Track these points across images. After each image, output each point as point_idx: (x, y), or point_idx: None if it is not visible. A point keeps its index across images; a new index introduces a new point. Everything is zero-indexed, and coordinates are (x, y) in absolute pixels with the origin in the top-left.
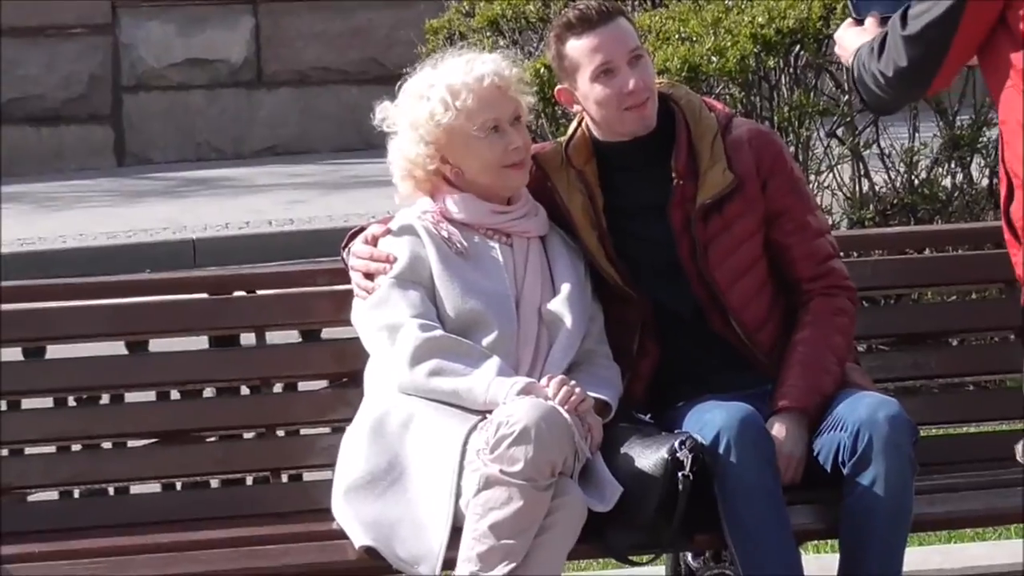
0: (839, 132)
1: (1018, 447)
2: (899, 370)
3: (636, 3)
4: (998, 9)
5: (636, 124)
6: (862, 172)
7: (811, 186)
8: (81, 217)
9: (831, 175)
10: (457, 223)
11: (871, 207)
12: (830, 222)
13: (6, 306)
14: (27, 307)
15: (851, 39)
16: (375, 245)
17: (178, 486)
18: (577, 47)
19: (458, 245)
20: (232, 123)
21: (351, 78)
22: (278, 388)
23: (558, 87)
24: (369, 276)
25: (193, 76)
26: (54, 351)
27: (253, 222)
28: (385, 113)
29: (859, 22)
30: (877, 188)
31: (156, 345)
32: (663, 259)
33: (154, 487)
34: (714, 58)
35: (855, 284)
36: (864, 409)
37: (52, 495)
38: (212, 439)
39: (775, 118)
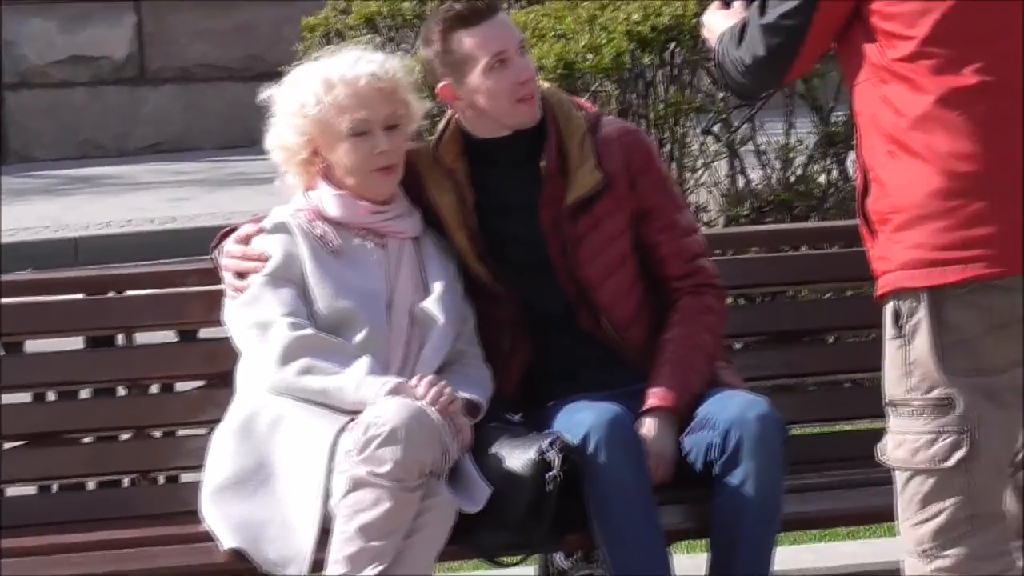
0: (715, 129)
1: (878, 447)
2: (773, 368)
3: (512, 0)
4: (852, 1)
5: (527, 115)
6: (738, 169)
7: (687, 183)
8: None
9: (707, 172)
10: (331, 221)
11: (747, 204)
12: (706, 219)
13: None
14: None
15: (717, 22)
16: (247, 244)
17: (53, 488)
18: (469, 39)
19: (331, 244)
20: (116, 120)
21: (235, 75)
22: (154, 389)
23: (441, 84)
24: (241, 275)
25: (76, 73)
26: None
27: (136, 220)
28: (269, 96)
29: (727, 4)
30: (753, 185)
31: (30, 346)
32: (533, 258)
33: (28, 489)
34: (589, 55)
35: (731, 282)
36: (734, 408)
37: None
38: (86, 440)
39: (651, 115)
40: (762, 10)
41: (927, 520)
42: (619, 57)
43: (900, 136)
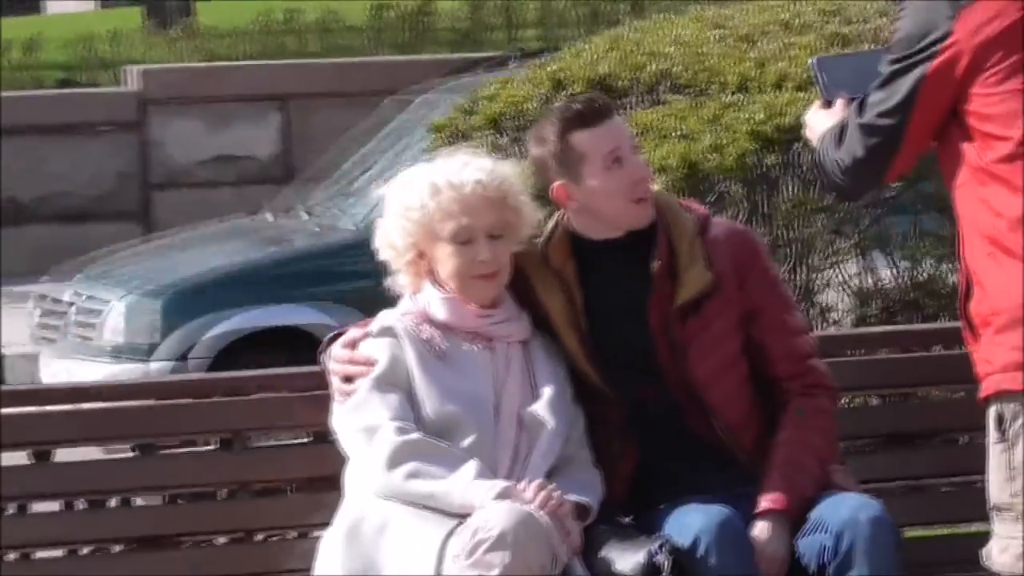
0: (843, 228)
1: (983, 552)
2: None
3: (635, 101)
4: (950, 101)
5: (642, 216)
6: (867, 268)
7: (815, 284)
8: None
9: (834, 272)
10: (438, 325)
11: (875, 303)
12: (834, 319)
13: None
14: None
15: (819, 122)
16: (354, 348)
17: None
18: (585, 138)
19: (438, 348)
20: None
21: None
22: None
23: (555, 184)
24: (348, 379)
25: (222, 173)
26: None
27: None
28: (380, 192)
29: (828, 104)
30: (882, 284)
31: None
32: (642, 359)
33: None
34: (713, 155)
35: (859, 383)
36: (846, 510)
37: None
38: (188, 544)
39: (776, 215)
40: (860, 110)
41: None
42: (742, 157)
43: (999, 237)
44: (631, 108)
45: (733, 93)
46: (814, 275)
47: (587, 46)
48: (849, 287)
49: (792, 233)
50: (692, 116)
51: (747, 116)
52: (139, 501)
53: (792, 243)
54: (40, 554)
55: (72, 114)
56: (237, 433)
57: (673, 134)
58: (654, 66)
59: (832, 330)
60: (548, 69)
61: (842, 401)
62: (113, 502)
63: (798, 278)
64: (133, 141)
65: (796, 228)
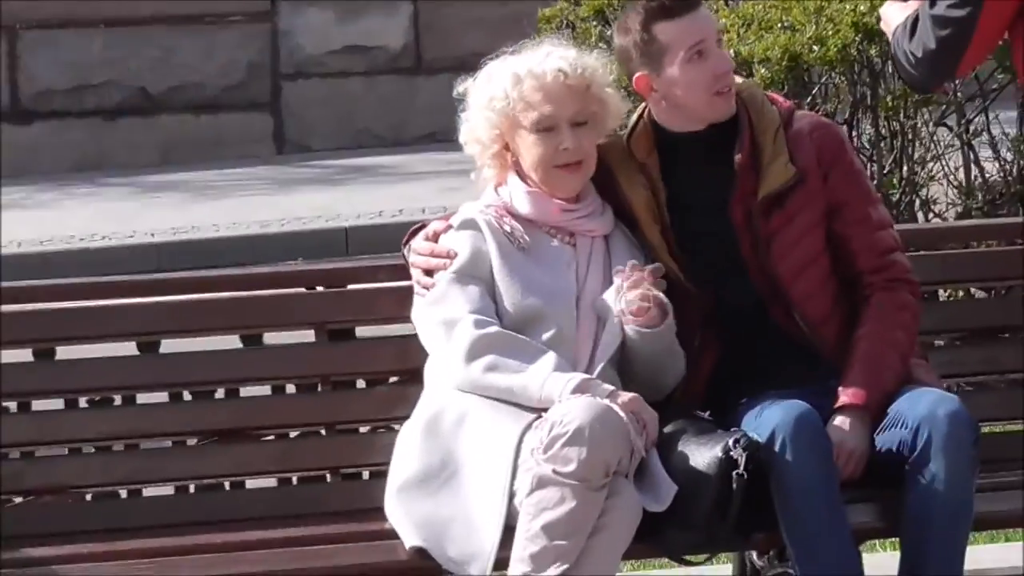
0: (948, 120)
1: None
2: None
3: None
4: None
5: (724, 108)
6: (972, 161)
7: (918, 176)
8: (237, 205)
9: (938, 165)
10: (521, 218)
11: (980, 197)
12: (938, 212)
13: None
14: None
15: (893, 15)
16: (436, 241)
17: (234, 484)
18: (669, 29)
19: (520, 240)
20: (391, 110)
21: None
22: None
23: (637, 75)
24: (429, 273)
25: (352, 63)
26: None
27: (407, 209)
28: (464, 88)
29: None
30: (987, 177)
31: (207, 343)
32: (725, 254)
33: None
34: (816, 47)
35: (957, 276)
36: (924, 405)
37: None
38: (270, 437)
39: (879, 107)
40: (932, 1)
41: None
42: (845, 49)
43: None
44: (736, 0)
45: None
46: (917, 168)
47: None
48: (953, 180)
49: (895, 126)
50: (796, 7)
51: (851, 7)
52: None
53: (895, 136)
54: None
55: (203, 5)
56: (319, 325)
57: (777, 26)
58: None
59: (936, 222)
60: None
61: (943, 294)
62: (187, 395)
63: (901, 171)
64: (264, 31)
65: (899, 120)
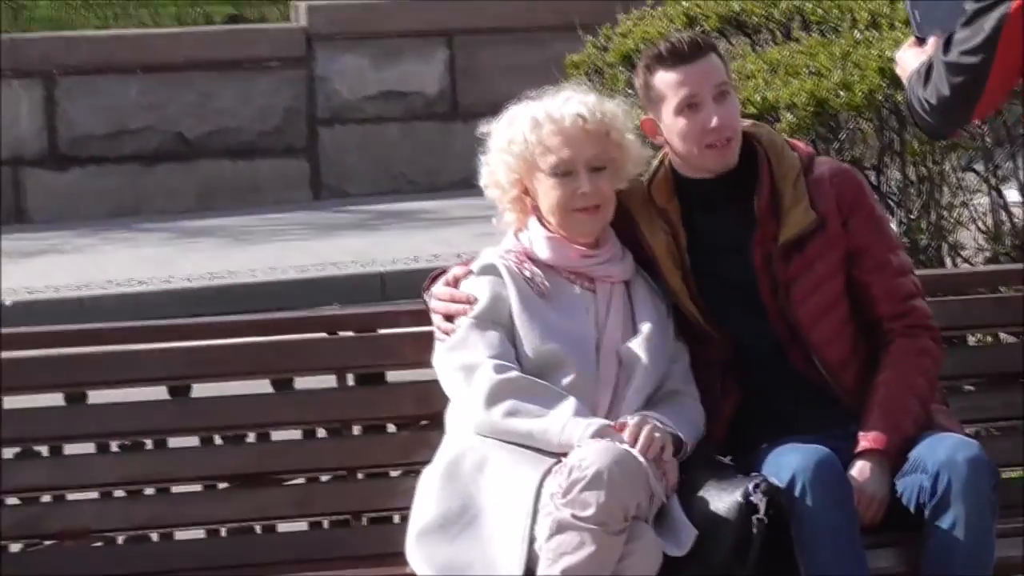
0: (975, 166)
1: None
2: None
3: (768, 37)
4: None
5: (717, 162)
6: (1000, 205)
7: (946, 221)
8: (274, 251)
9: (966, 210)
10: (541, 264)
11: (1008, 241)
12: (966, 257)
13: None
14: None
15: (910, 60)
16: (456, 287)
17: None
18: (664, 79)
19: (540, 286)
20: (427, 155)
21: None
22: (358, 430)
23: (643, 117)
24: (449, 318)
25: (388, 108)
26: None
27: (442, 255)
28: (487, 130)
29: (921, 42)
30: (1015, 222)
31: (230, 388)
32: (745, 298)
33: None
34: (842, 92)
35: (982, 320)
36: (943, 451)
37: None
38: (291, 482)
39: (906, 152)
40: (946, 48)
41: None
42: (872, 94)
43: None
44: (763, 45)
45: (864, 30)
46: (945, 213)
47: None
48: (981, 225)
49: (923, 171)
50: (822, 53)
51: (877, 53)
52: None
53: (923, 181)
54: (148, 490)
55: (240, 50)
56: (341, 370)
57: (803, 71)
58: (787, 3)
59: (964, 267)
60: (683, 5)
61: (973, 338)
62: (194, 440)
63: (929, 216)
64: (300, 76)
65: (927, 166)
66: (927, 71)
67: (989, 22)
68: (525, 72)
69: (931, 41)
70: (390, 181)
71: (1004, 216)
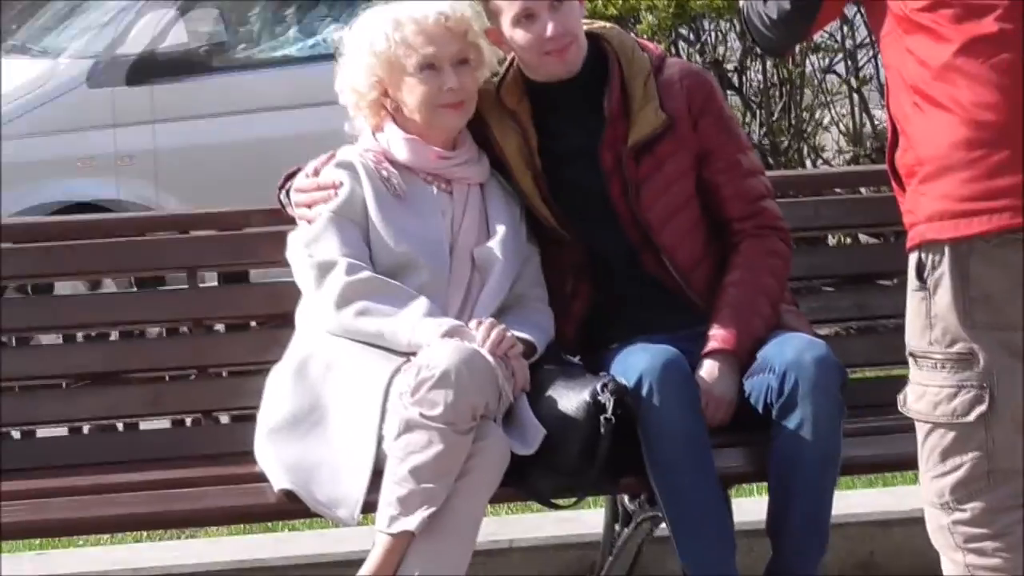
0: (837, 68)
1: (899, 397)
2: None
3: None
4: None
5: (557, 68)
6: (861, 108)
7: (806, 123)
8: None
9: (828, 112)
10: (398, 165)
11: (868, 144)
12: (827, 158)
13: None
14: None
15: None
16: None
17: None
18: None
19: (396, 187)
20: None
21: None
22: (217, 329)
23: (487, 27)
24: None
25: None
26: None
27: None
28: (339, 39)
29: None
30: (876, 124)
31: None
32: (596, 200)
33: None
34: None
35: (839, 221)
36: (791, 351)
37: None
38: (143, 379)
39: (768, 54)
40: None
41: (947, 473)
42: None
43: (924, 87)
44: None
45: None
46: (806, 115)
47: None
48: (842, 127)
49: (784, 72)
50: None
51: None
52: (79, 337)
53: (784, 83)
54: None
55: None
56: (192, 270)
57: None
58: None
59: (824, 168)
60: None
61: (831, 240)
62: (54, 337)
63: (790, 118)
64: None
65: (788, 68)
66: None
67: None
68: None
69: None
70: None
71: (865, 119)
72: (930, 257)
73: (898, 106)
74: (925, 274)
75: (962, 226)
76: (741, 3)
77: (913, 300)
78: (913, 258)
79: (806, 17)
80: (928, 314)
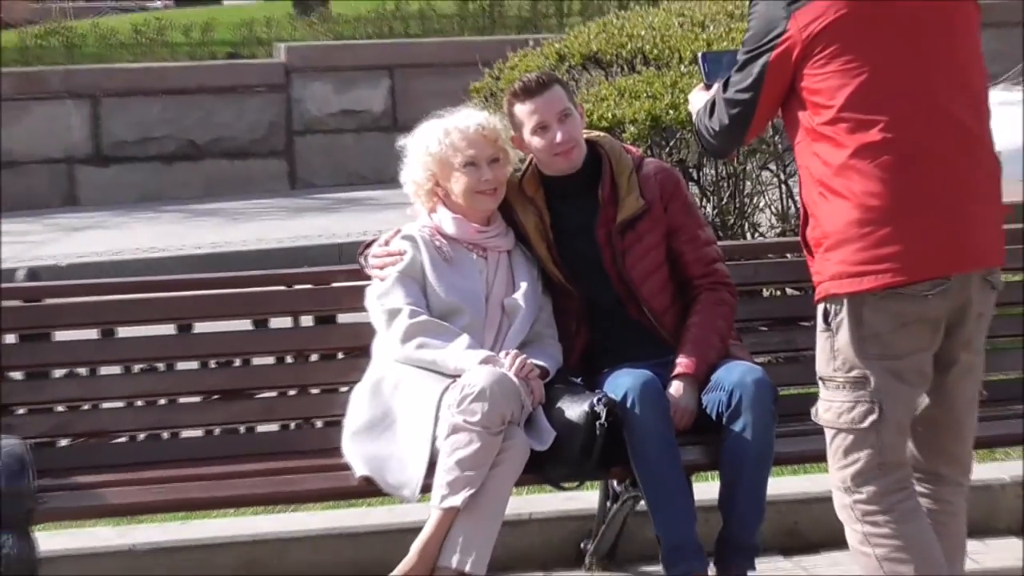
0: (770, 165)
1: (812, 410)
2: (775, 345)
3: (618, 70)
4: (788, 81)
5: (564, 166)
6: (787, 195)
7: (748, 207)
8: (260, 227)
9: (763, 198)
10: (447, 237)
11: (792, 222)
12: (762, 233)
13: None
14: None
15: (698, 99)
16: (388, 246)
17: (241, 430)
18: (521, 110)
19: (446, 254)
20: (374, 157)
21: None
22: (314, 358)
23: (512, 135)
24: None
25: (346, 122)
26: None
27: (385, 230)
28: (403, 143)
29: (708, 87)
30: (799, 207)
31: (216, 326)
32: (593, 264)
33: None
34: (671, 111)
35: (769, 279)
36: (736, 374)
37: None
38: (261, 396)
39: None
40: (725, 88)
41: (848, 466)
42: None
43: (827, 181)
44: (614, 76)
45: (688, 65)
46: (747, 200)
47: (584, 29)
48: (773, 209)
49: (731, 169)
50: (657, 82)
51: (698, 81)
52: (212, 364)
53: (731, 177)
54: (161, 401)
55: (236, 79)
56: (294, 314)
57: (643, 95)
58: (631, 44)
59: (760, 239)
60: (554, 46)
61: (766, 292)
62: (194, 364)
63: (735, 202)
64: (281, 99)
65: (733, 166)
66: (712, 106)
67: (756, 68)
68: (445, 95)
69: (715, 86)
70: (346, 176)
71: (790, 203)
72: (833, 307)
73: (808, 194)
74: (829, 319)
75: (856, 283)
76: (694, 118)
77: (821, 338)
78: (820, 308)
79: (740, 128)
80: (832, 348)
